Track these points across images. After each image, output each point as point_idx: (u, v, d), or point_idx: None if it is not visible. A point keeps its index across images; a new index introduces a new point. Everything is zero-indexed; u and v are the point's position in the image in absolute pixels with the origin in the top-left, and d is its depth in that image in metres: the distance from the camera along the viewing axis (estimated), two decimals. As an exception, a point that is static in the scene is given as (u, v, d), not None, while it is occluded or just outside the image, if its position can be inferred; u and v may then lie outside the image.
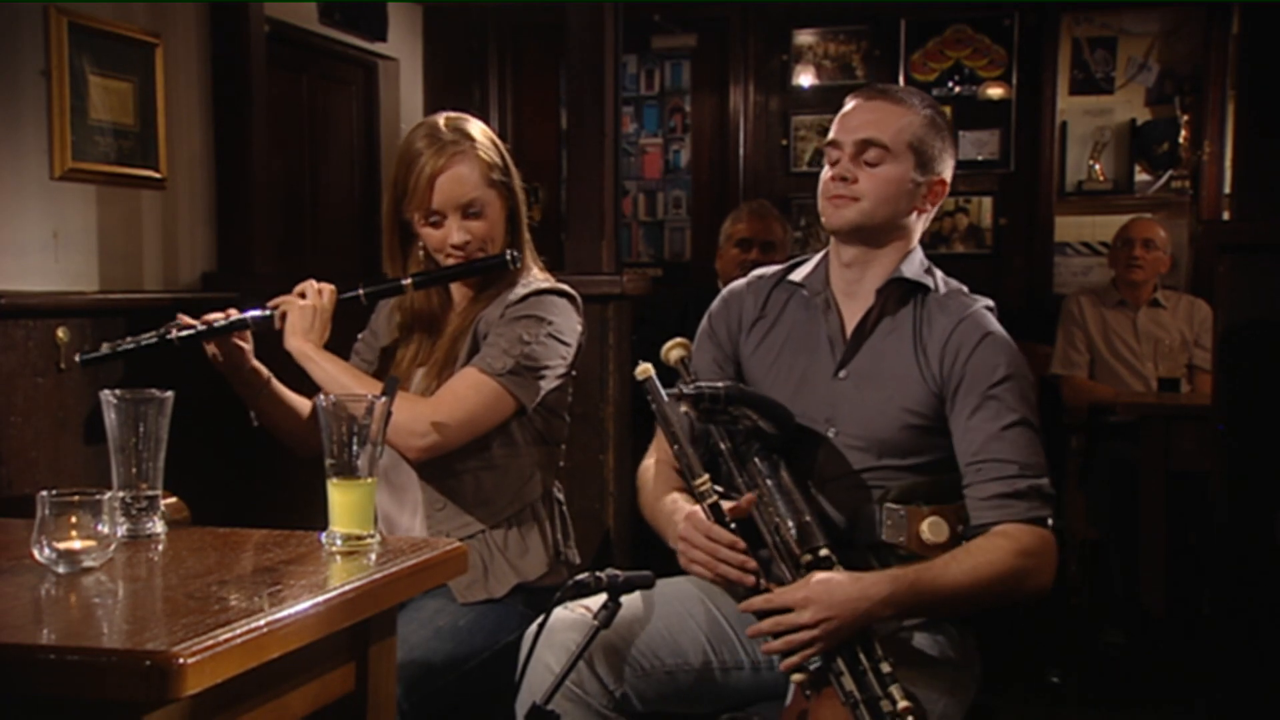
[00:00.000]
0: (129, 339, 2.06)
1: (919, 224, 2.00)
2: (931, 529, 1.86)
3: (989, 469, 1.85)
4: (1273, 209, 2.54)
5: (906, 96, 1.97)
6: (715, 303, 2.13)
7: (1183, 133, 5.25)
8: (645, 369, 1.88)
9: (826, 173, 1.97)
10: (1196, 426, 3.52)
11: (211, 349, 2.09)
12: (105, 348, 2.06)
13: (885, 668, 1.71)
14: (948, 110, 5.36)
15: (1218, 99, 5.16)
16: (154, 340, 2.05)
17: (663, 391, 1.87)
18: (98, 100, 3.08)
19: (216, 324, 2.07)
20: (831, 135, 1.97)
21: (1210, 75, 5.18)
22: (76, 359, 2.11)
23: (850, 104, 1.99)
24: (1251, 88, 2.68)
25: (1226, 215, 4.82)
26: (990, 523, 1.84)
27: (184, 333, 2.05)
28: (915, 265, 1.98)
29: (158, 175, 3.29)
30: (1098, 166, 5.37)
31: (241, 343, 2.10)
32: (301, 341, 2.07)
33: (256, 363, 2.13)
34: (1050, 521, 1.85)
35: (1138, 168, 5.36)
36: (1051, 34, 5.32)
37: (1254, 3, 2.58)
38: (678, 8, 5.59)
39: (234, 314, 2.09)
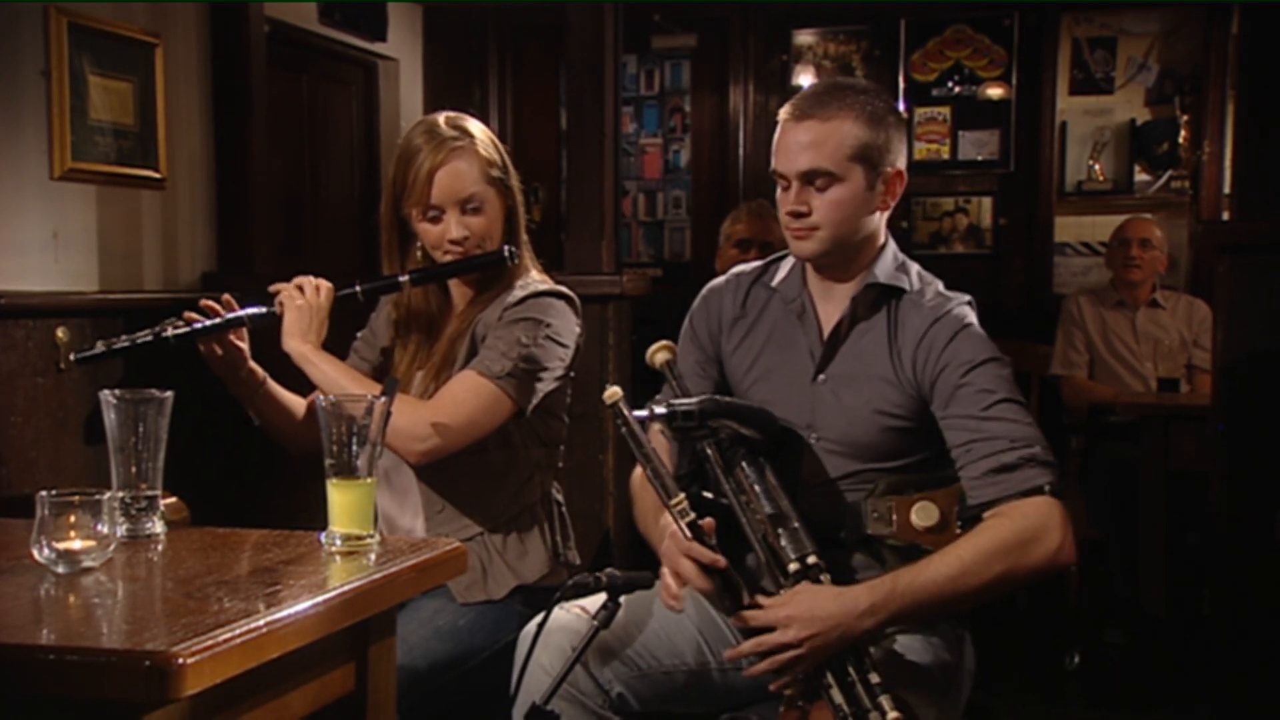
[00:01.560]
0: (124, 337, 2.05)
1: (884, 219, 1.97)
2: (920, 513, 1.83)
3: (979, 448, 1.81)
4: (1273, 209, 2.54)
5: (837, 103, 1.87)
6: (695, 302, 2.11)
7: (1182, 133, 5.25)
8: (613, 393, 1.82)
9: (780, 199, 1.92)
10: (1196, 426, 3.52)
11: (208, 349, 2.09)
12: (100, 346, 2.05)
13: (874, 678, 1.70)
14: (947, 110, 5.38)
15: (1218, 99, 5.15)
16: (150, 339, 2.04)
17: (630, 415, 1.82)
18: (98, 100, 3.08)
19: (213, 322, 2.06)
20: (774, 165, 1.92)
21: (1210, 75, 5.18)
22: (72, 358, 2.10)
23: (782, 126, 1.91)
24: (1251, 88, 2.68)
25: (1226, 215, 4.82)
26: (988, 500, 1.79)
27: (180, 331, 2.05)
28: (888, 265, 1.95)
29: (158, 175, 3.29)
30: (1097, 166, 5.37)
31: (239, 343, 2.10)
32: (300, 343, 2.07)
33: (253, 364, 2.13)
34: (1048, 488, 1.78)
35: (1137, 168, 5.36)
36: (1051, 34, 5.32)
37: (1254, 3, 2.58)
38: (678, 8, 5.59)
39: (231, 307, 2.09)
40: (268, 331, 2.11)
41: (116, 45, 3.14)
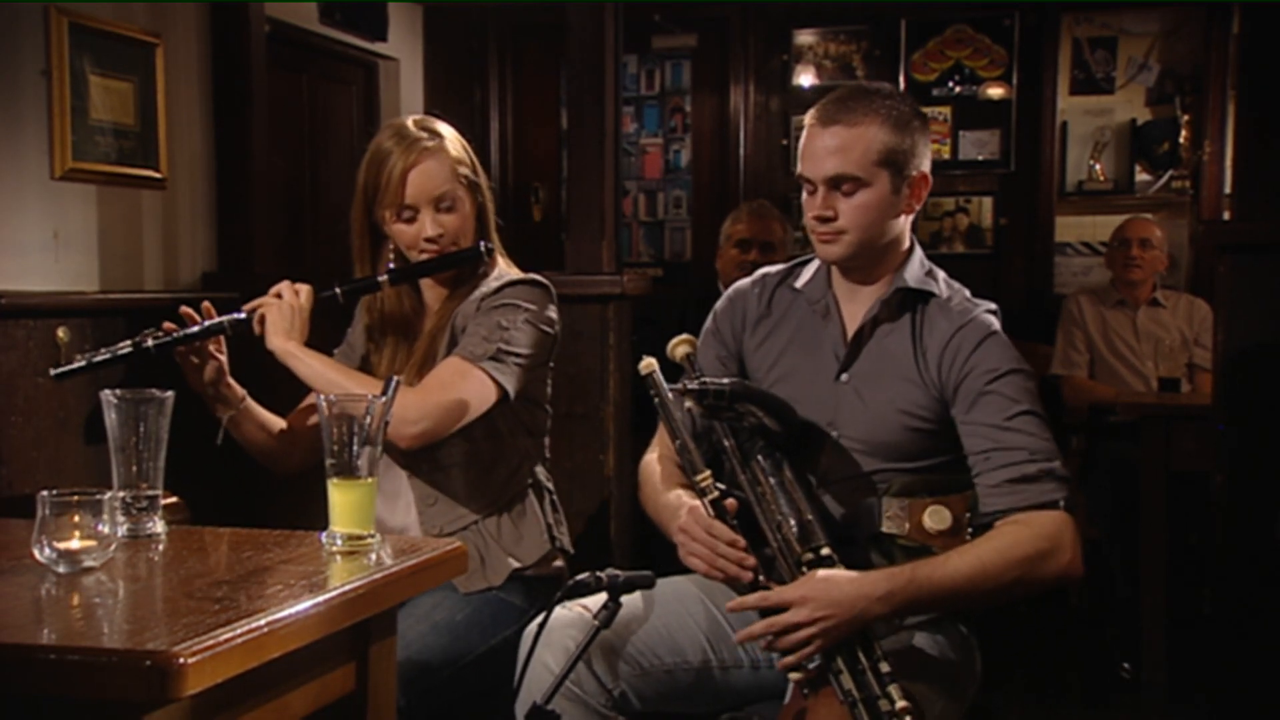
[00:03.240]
0: (104, 350, 2.03)
1: (909, 222, 1.98)
2: (933, 517, 1.85)
3: (997, 457, 1.83)
4: (1273, 209, 2.54)
5: (864, 108, 1.88)
6: (721, 301, 2.14)
7: (1183, 133, 5.25)
8: (649, 364, 1.89)
9: (806, 204, 1.94)
10: (1196, 426, 3.52)
11: (188, 362, 2.07)
12: (79, 360, 2.03)
13: (884, 667, 1.71)
14: (947, 110, 5.38)
15: (1218, 99, 5.16)
16: (129, 349, 2.02)
17: (665, 386, 1.88)
18: (98, 100, 3.08)
19: (192, 330, 2.05)
20: (800, 169, 1.93)
21: (1210, 75, 5.18)
22: (51, 373, 2.06)
23: (808, 131, 1.92)
24: (1251, 88, 2.68)
25: (1227, 215, 4.82)
26: (1002, 509, 1.81)
27: (159, 340, 2.03)
28: (916, 269, 1.96)
29: (158, 175, 3.29)
30: (1098, 166, 5.37)
31: (219, 355, 2.10)
32: (284, 341, 2.07)
33: (232, 380, 2.13)
34: (1063, 503, 1.81)
35: (1138, 168, 5.36)
36: (1052, 34, 5.32)
37: (1254, 3, 2.58)
38: (678, 8, 5.59)
39: (210, 314, 2.08)
40: (247, 350, 2.10)
41: (117, 45, 3.14)
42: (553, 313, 2.21)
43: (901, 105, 1.91)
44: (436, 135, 2.17)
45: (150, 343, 2.03)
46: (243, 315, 2.10)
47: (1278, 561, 2.51)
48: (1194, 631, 3.55)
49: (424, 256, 2.17)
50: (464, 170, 2.19)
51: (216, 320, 2.07)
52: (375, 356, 2.26)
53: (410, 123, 2.19)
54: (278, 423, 2.21)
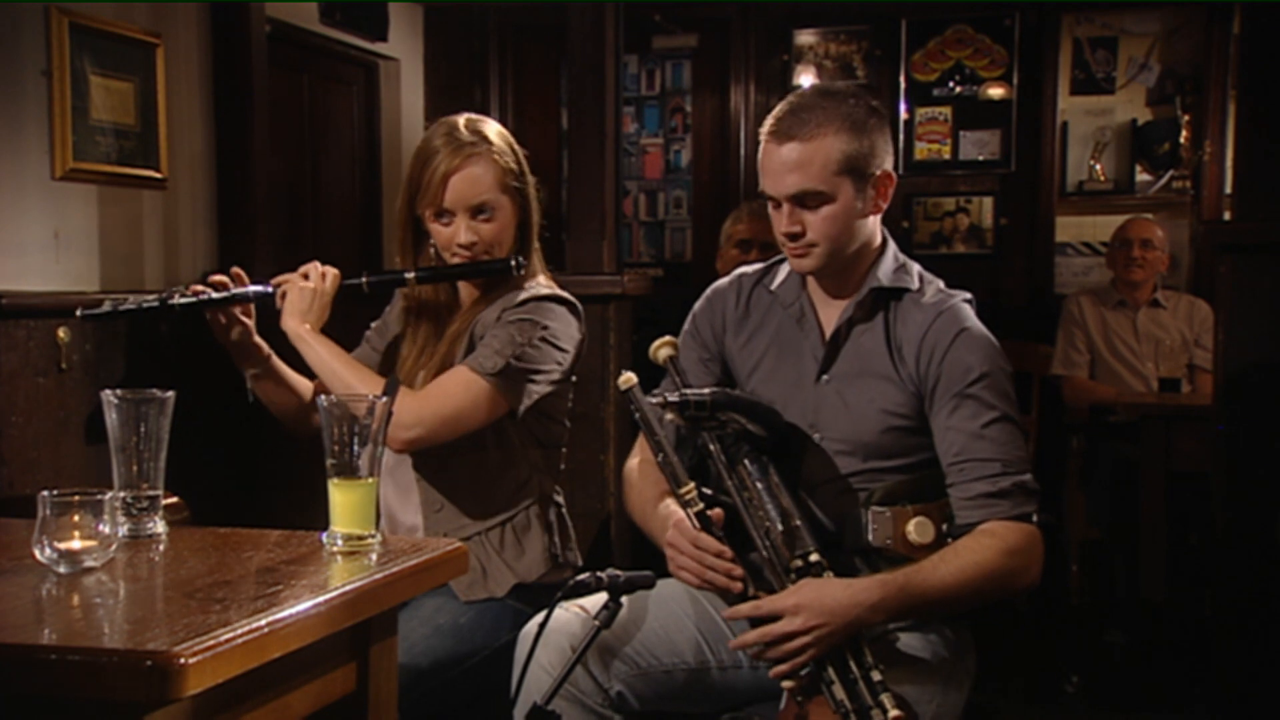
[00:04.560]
0: (131, 299, 2.11)
1: (878, 220, 1.96)
2: (918, 529, 1.86)
3: (971, 469, 1.84)
4: (1273, 209, 2.54)
5: (817, 118, 1.84)
6: (699, 302, 2.12)
7: (1183, 133, 5.25)
8: (628, 378, 1.86)
9: (774, 218, 1.92)
10: (1196, 426, 3.52)
11: (213, 318, 2.13)
12: (108, 305, 2.11)
13: (876, 675, 1.71)
14: (948, 110, 5.38)
15: (1218, 99, 5.16)
16: (155, 304, 2.10)
17: (644, 401, 1.85)
18: (99, 100, 3.08)
19: (217, 296, 2.11)
20: (762, 186, 1.91)
21: (1211, 75, 5.18)
22: (78, 314, 2.15)
23: (764, 148, 1.89)
24: (1252, 88, 2.69)
25: (1227, 215, 4.82)
26: (975, 522, 1.83)
27: (185, 300, 2.09)
28: (889, 267, 1.95)
29: (159, 175, 3.29)
30: (1098, 166, 5.37)
31: (245, 317, 2.13)
32: (298, 323, 2.09)
33: (259, 339, 2.16)
34: (1035, 517, 1.85)
35: (1138, 168, 5.36)
36: (1052, 34, 5.32)
37: (1254, 3, 2.58)
38: (678, 8, 5.59)
39: (241, 280, 2.14)
40: (272, 309, 2.15)
41: (117, 45, 3.14)
42: (575, 331, 2.19)
43: (856, 107, 1.87)
44: (485, 141, 2.16)
45: (177, 299, 2.09)
46: (269, 289, 2.14)
47: (1278, 561, 2.51)
48: (1194, 631, 3.56)
49: (457, 260, 2.17)
50: (510, 179, 2.17)
51: (242, 290, 2.13)
52: (408, 345, 2.27)
53: (462, 123, 2.17)
54: (303, 383, 2.23)
